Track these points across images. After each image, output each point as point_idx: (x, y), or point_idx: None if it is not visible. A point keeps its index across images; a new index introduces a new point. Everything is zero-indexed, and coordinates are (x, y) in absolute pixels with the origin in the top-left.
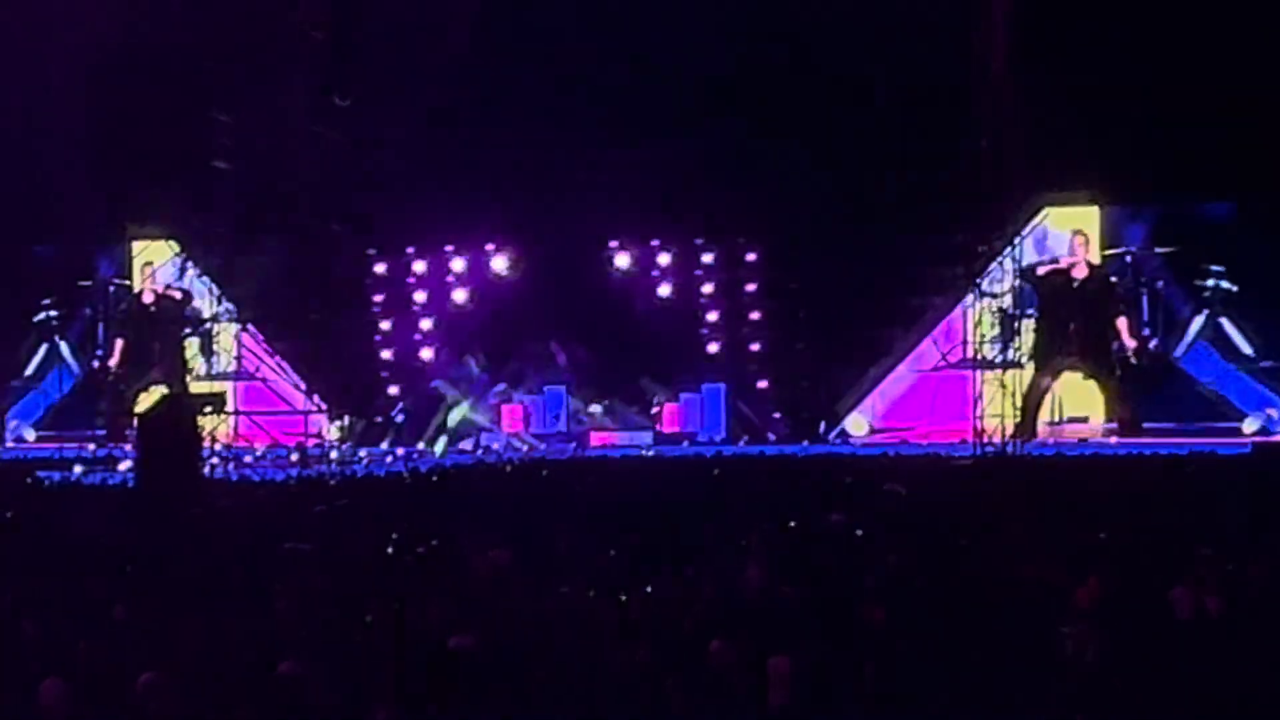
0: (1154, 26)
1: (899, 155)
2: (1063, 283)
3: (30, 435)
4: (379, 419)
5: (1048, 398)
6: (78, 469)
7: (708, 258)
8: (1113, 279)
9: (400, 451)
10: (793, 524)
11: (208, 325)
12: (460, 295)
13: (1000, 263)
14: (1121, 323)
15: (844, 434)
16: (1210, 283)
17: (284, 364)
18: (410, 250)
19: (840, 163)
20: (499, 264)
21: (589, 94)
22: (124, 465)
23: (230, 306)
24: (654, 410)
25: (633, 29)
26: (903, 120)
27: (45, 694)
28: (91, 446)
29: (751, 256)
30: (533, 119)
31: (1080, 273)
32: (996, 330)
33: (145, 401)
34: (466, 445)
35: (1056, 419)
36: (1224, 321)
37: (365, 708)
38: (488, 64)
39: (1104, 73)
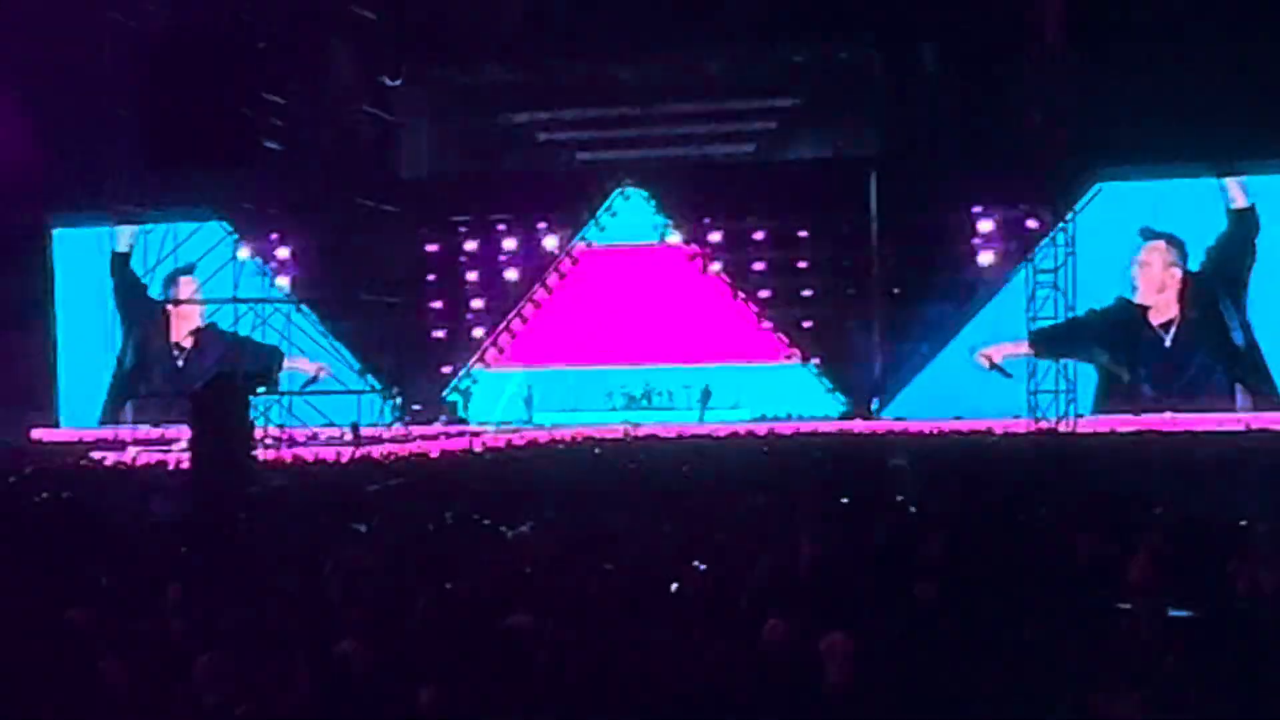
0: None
1: (952, 130)
2: None
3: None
4: (431, 398)
5: None
6: (132, 450)
7: (759, 235)
8: None
9: (453, 430)
10: (846, 500)
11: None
12: (511, 274)
13: (1053, 238)
14: None
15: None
16: None
17: (336, 344)
18: (462, 229)
19: (893, 139)
20: (550, 242)
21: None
22: (178, 446)
23: (282, 287)
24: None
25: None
26: (956, 94)
27: (104, 675)
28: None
29: (802, 234)
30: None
31: None
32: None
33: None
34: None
35: None
36: None
37: (413, 687)
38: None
39: (1159, 46)
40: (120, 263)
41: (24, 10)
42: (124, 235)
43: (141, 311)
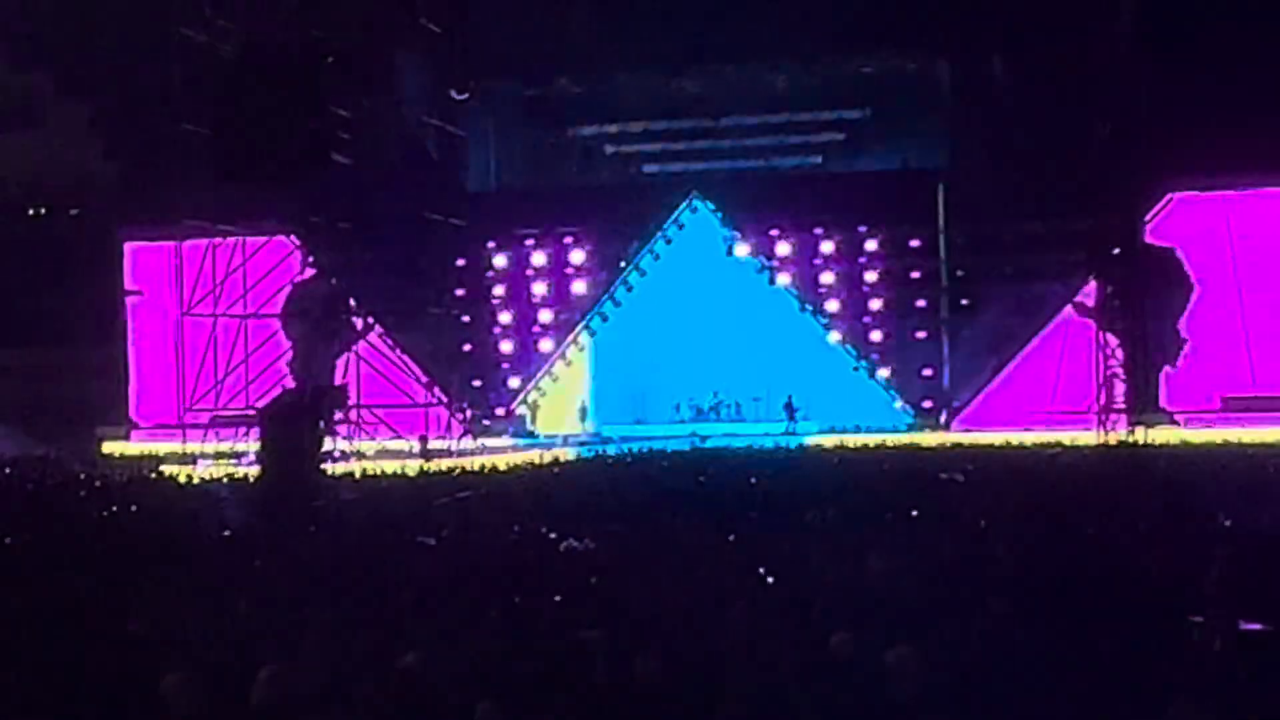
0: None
1: (1021, 141)
2: None
3: None
4: (499, 411)
5: None
6: (203, 464)
7: (827, 246)
8: None
9: (521, 442)
10: (915, 513)
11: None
12: (579, 286)
13: (1124, 250)
14: None
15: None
16: None
17: (405, 358)
18: (530, 242)
19: (962, 150)
20: (617, 255)
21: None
22: (248, 459)
23: (351, 301)
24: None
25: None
26: (1025, 105)
27: (167, 687)
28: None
29: (870, 245)
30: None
31: None
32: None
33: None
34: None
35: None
36: None
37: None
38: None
39: (1228, 58)
40: None
41: (99, 27)
42: None
43: None
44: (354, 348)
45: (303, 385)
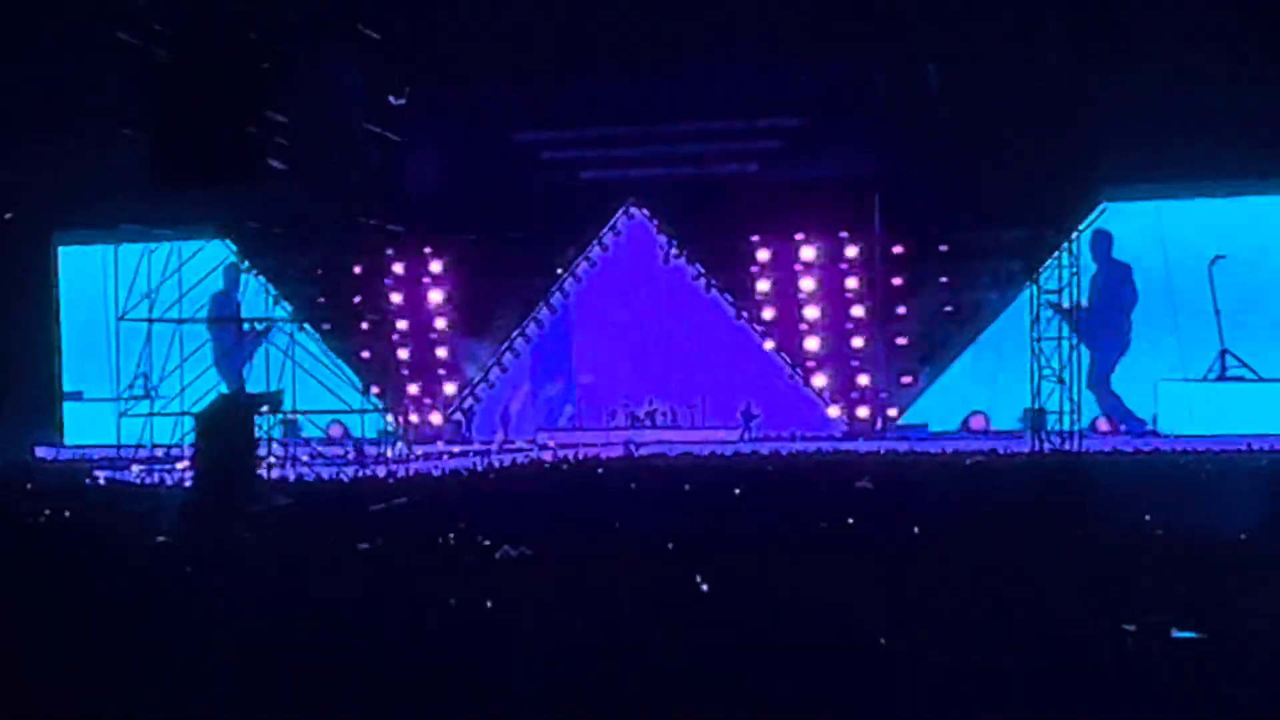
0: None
1: (957, 149)
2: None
3: None
4: (434, 417)
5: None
6: (135, 469)
7: (763, 254)
8: None
9: (456, 449)
10: (851, 521)
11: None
12: (514, 292)
13: (1058, 257)
14: None
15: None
16: None
17: (340, 363)
18: (465, 249)
19: (898, 158)
20: (554, 261)
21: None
22: (181, 465)
23: (286, 306)
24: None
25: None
26: (961, 113)
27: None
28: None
29: (807, 253)
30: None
31: None
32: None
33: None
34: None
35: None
36: None
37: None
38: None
39: (1165, 67)
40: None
41: (29, 28)
42: None
43: None
44: (287, 354)
45: (237, 390)
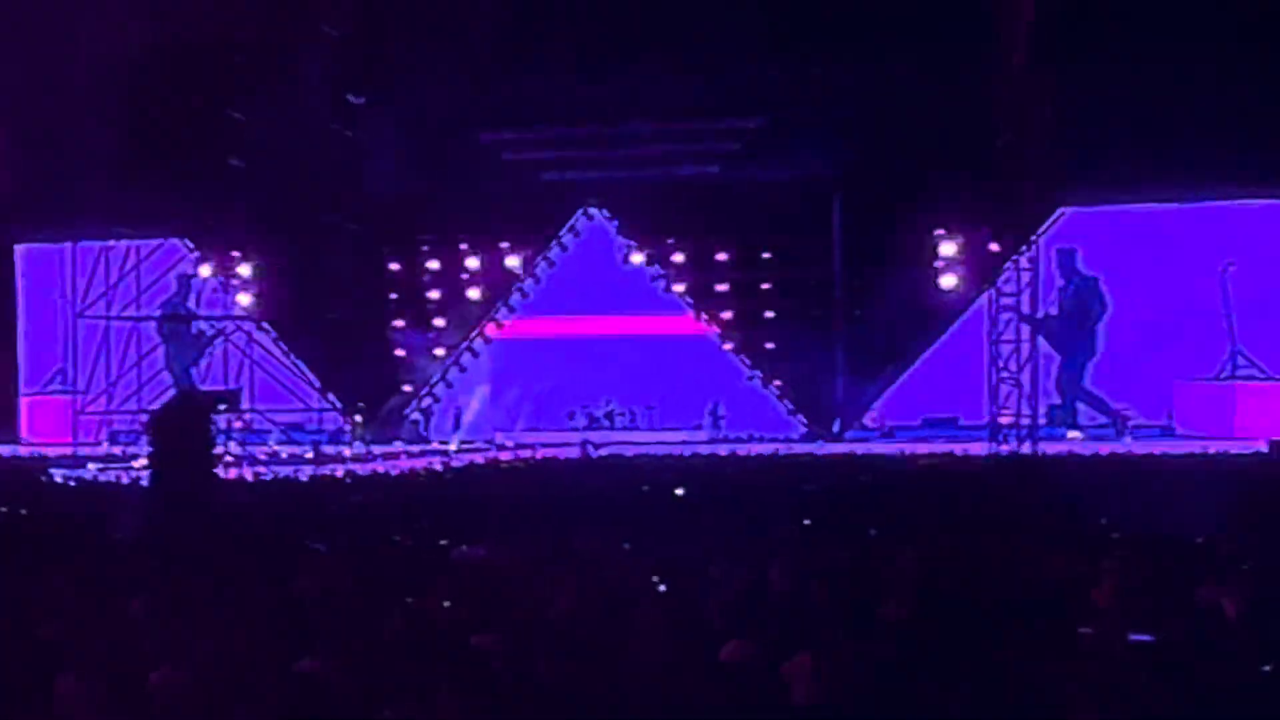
0: (1179, 24)
1: (918, 152)
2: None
3: None
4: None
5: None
6: (92, 467)
7: (721, 256)
8: None
9: (415, 449)
10: (809, 522)
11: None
12: (474, 293)
13: (1016, 262)
14: None
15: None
16: None
17: (298, 362)
18: (425, 249)
19: (859, 160)
20: (512, 262)
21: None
22: (138, 463)
23: (245, 304)
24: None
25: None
26: (923, 116)
27: (60, 690)
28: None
29: (766, 255)
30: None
31: None
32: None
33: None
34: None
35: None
36: None
37: (377, 707)
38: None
39: (1129, 74)
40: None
41: None
42: None
43: None
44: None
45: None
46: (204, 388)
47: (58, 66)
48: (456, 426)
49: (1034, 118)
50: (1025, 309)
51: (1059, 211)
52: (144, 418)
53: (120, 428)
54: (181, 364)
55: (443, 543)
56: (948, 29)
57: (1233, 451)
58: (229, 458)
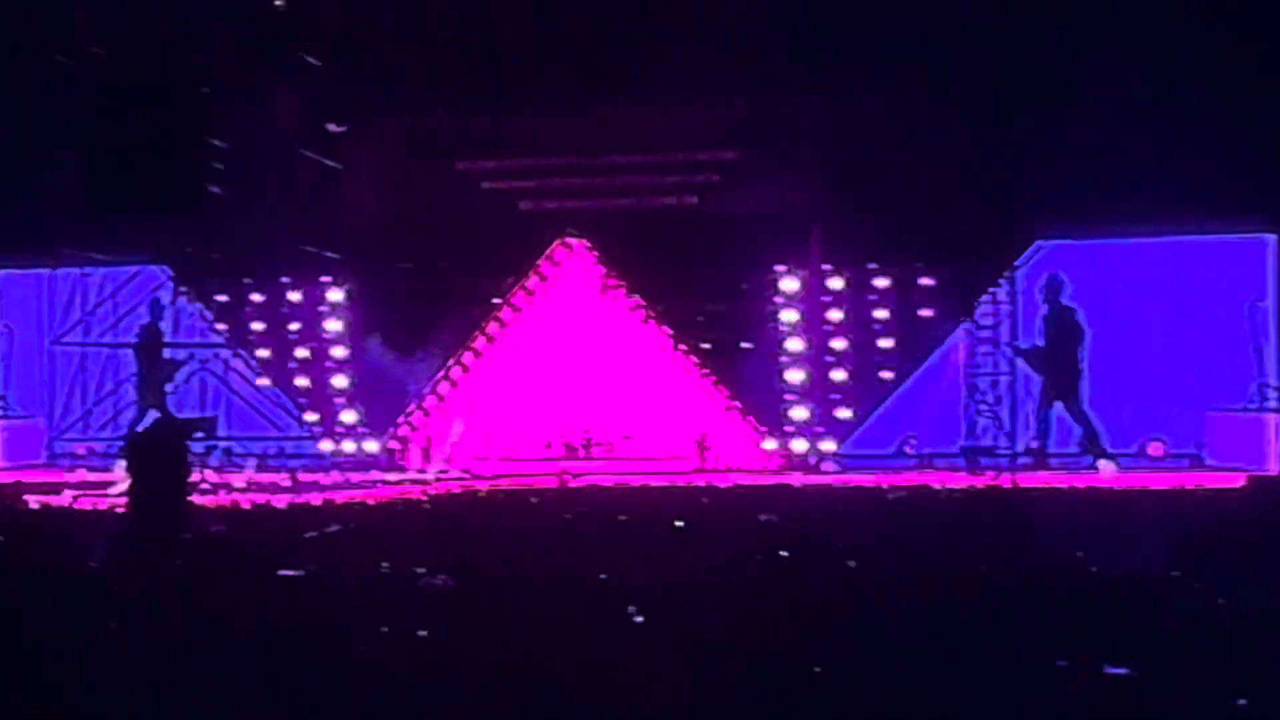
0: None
1: (895, 184)
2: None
3: None
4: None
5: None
6: (69, 493)
7: (700, 287)
8: None
9: (393, 477)
10: (783, 554)
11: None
12: (451, 321)
13: (993, 295)
14: None
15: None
16: None
17: (277, 390)
18: (402, 278)
19: (836, 192)
20: (490, 290)
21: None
22: (115, 490)
23: (222, 332)
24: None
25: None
26: (899, 148)
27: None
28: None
29: (744, 286)
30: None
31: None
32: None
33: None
34: None
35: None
36: None
37: None
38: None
39: (1103, 108)
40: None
41: None
42: None
43: None
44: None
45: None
46: (181, 414)
47: (35, 93)
48: (429, 454)
49: (1010, 150)
50: (1004, 342)
51: (1036, 245)
52: (119, 444)
53: (91, 452)
54: (153, 391)
55: (420, 570)
56: (923, 64)
57: (1208, 486)
58: (206, 484)
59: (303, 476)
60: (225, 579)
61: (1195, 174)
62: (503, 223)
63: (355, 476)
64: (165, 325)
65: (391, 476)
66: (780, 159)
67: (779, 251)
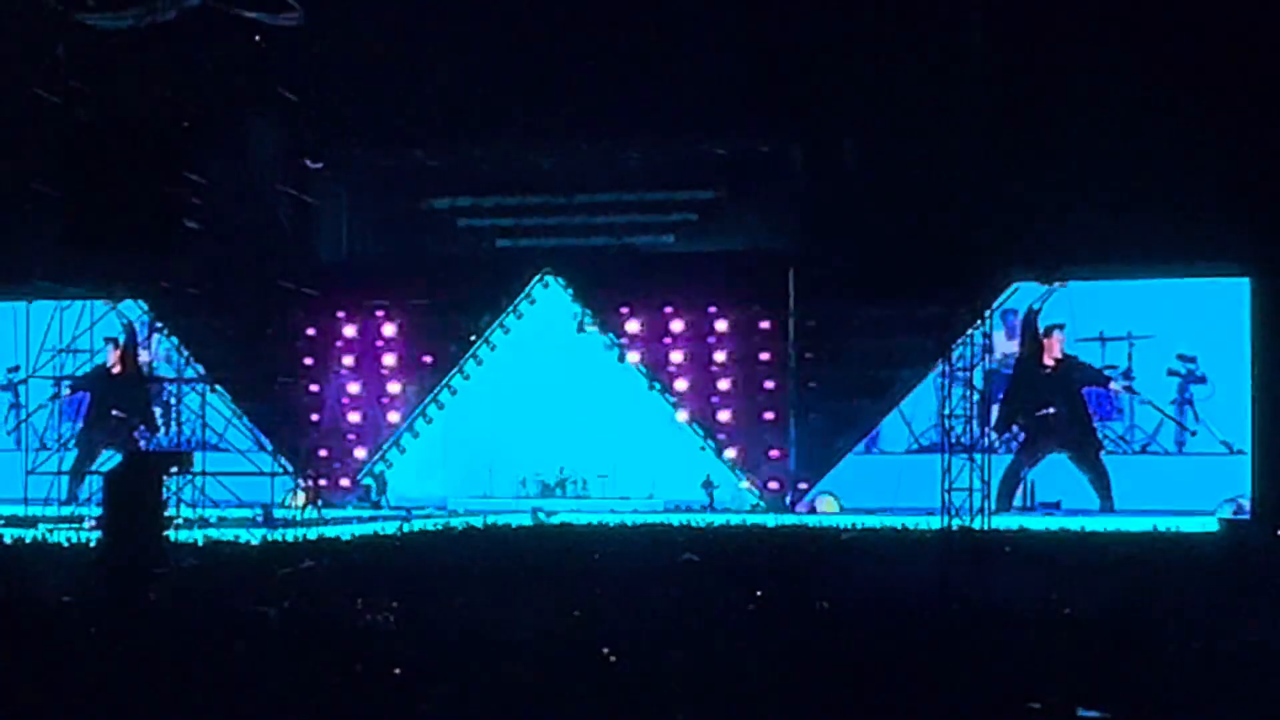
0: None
1: (872, 225)
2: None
3: None
4: (344, 482)
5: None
6: (41, 527)
7: (677, 325)
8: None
9: (367, 514)
10: (761, 594)
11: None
12: (429, 359)
13: (970, 336)
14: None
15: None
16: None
17: (252, 426)
18: (380, 314)
19: (813, 233)
20: (467, 328)
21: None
22: (88, 525)
23: (198, 367)
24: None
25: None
26: (877, 189)
27: None
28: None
29: (721, 325)
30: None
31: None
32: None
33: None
34: None
35: (1028, 504)
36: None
37: None
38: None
39: (1078, 149)
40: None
41: None
42: None
43: None
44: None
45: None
46: (156, 449)
47: (11, 126)
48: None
49: (987, 191)
50: (979, 382)
51: (1014, 286)
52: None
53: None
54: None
55: (394, 604)
56: (901, 105)
57: (1183, 530)
58: (180, 520)
59: (278, 511)
60: (198, 615)
61: (1172, 216)
62: (479, 260)
63: (329, 513)
64: (143, 353)
65: (366, 513)
66: (757, 199)
67: (754, 291)
